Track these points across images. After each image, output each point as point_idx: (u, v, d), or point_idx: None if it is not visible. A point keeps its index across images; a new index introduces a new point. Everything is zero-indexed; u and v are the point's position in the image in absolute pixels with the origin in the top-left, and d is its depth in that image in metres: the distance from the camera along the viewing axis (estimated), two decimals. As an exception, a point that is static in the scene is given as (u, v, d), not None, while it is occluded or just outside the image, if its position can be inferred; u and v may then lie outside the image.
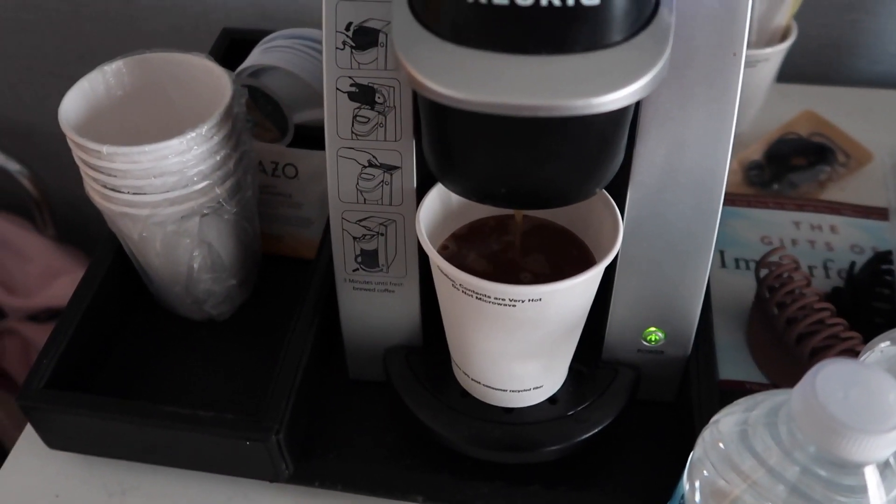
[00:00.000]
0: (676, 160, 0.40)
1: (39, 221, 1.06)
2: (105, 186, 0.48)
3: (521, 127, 0.32)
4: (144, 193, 0.47)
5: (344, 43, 0.40)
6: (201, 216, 0.49)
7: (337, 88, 0.41)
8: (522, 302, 0.38)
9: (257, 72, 0.63)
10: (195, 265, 0.51)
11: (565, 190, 0.37)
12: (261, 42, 0.66)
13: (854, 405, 0.26)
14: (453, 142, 0.35)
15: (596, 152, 0.35)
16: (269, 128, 0.61)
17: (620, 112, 0.33)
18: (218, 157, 0.48)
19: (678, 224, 0.42)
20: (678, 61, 0.38)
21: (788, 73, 0.74)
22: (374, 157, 0.43)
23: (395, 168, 0.43)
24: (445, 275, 0.39)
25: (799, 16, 0.70)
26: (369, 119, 0.41)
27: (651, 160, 0.41)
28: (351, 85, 0.41)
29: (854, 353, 0.49)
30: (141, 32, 0.90)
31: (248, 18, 0.87)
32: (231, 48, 0.70)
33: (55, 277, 0.99)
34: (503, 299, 0.38)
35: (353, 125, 0.42)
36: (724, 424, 0.32)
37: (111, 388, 0.54)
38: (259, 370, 0.53)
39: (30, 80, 0.98)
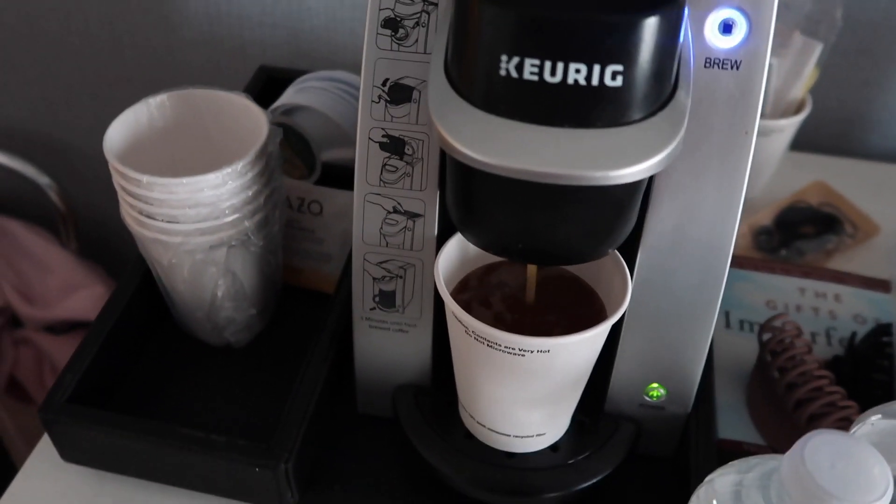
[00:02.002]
0: (686, 228, 0.42)
1: (64, 235, 1.09)
2: (141, 213, 0.50)
3: (542, 192, 0.34)
4: (178, 222, 0.50)
5: (379, 97, 0.42)
6: (229, 247, 0.52)
7: (370, 138, 0.43)
8: (532, 352, 0.40)
9: (290, 110, 0.66)
10: (219, 293, 0.53)
11: (578, 250, 0.39)
12: (295, 82, 0.69)
13: (840, 476, 0.27)
14: (477, 199, 0.37)
15: (610, 218, 0.37)
16: (298, 165, 0.63)
17: (635, 183, 0.36)
18: (250, 193, 0.51)
19: (685, 288, 0.44)
20: (693, 137, 0.40)
21: (803, 142, 0.77)
22: (399, 203, 0.45)
23: (419, 216, 0.45)
24: (459, 320, 0.41)
25: (816, 89, 0.73)
26: (397, 168, 0.44)
27: (662, 227, 0.43)
28: (383, 136, 0.43)
29: (850, 422, 0.50)
30: (179, 64, 0.94)
31: (284, 56, 0.91)
32: (267, 85, 0.74)
33: (74, 290, 1.01)
34: (513, 348, 0.40)
35: (381, 173, 0.44)
36: (720, 484, 0.34)
37: (129, 407, 0.55)
38: (272, 398, 0.55)
39: (67, 99, 1.02)
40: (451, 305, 0.41)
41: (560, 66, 0.30)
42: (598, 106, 0.31)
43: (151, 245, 0.52)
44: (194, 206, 0.49)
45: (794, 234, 0.72)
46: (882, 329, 0.59)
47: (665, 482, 0.52)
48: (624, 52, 0.30)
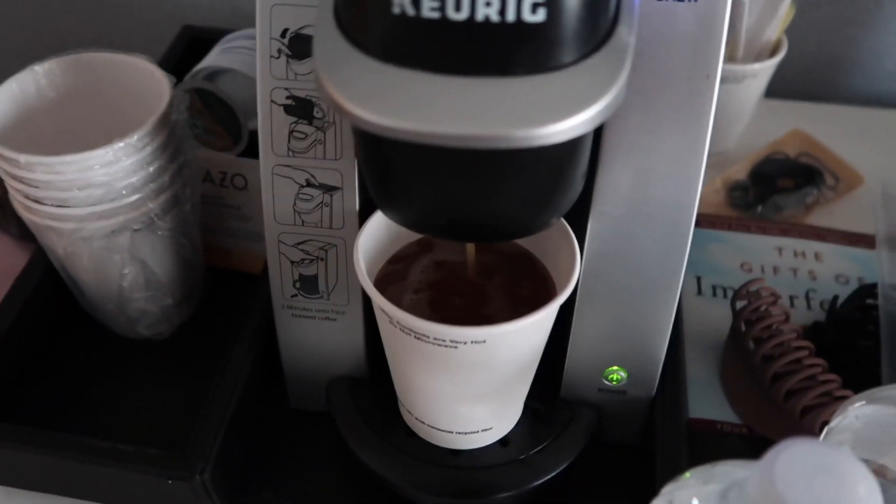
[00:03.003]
0: (642, 191, 0.37)
1: (2, 219, 1.02)
2: (27, 197, 0.44)
3: (460, 157, 0.28)
4: (69, 206, 0.43)
5: (279, 51, 0.36)
6: (133, 231, 0.46)
7: (272, 101, 0.37)
8: (465, 343, 0.35)
9: (213, 73, 0.60)
10: (125, 283, 0.47)
11: (514, 223, 0.33)
12: (220, 41, 0.63)
13: (819, 497, 0.22)
14: (386, 170, 0.31)
15: (548, 183, 0.31)
16: (221, 134, 0.57)
17: (574, 141, 0.30)
18: (151, 169, 0.44)
19: (644, 259, 0.39)
20: (647, 83, 0.34)
21: (779, 88, 0.71)
22: (312, 176, 0.39)
23: (336, 189, 0.39)
24: (382, 310, 0.36)
25: (792, 30, 0.66)
26: (307, 135, 0.38)
27: (615, 190, 0.37)
28: (287, 97, 0.37)
29: (832, 397, 0.46)
30: (106, 23, 0.87)
31: (221, 15, 0.83)
32: (191, 46, 0.67)
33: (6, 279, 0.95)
34: (443, 340, 0.35)
35: (289, 141, 0.38)
36: (678, 499, 0.29)
37: (36, 413, 0.50)
38: (196, 397, 0.50)
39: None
40: (372, 293, 0.35)
41: (465, -2, 0.24)
42: (518, 48, 0.25)
43: (44, 232, 0.46)
44: (85, 188, 0.43)
45: (772, 189, 0.67)
46: (866, 290, 0.54)
47: (631, 470, 0.47)
48: (545, -22, 0.24)
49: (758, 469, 0.24)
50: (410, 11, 0.25)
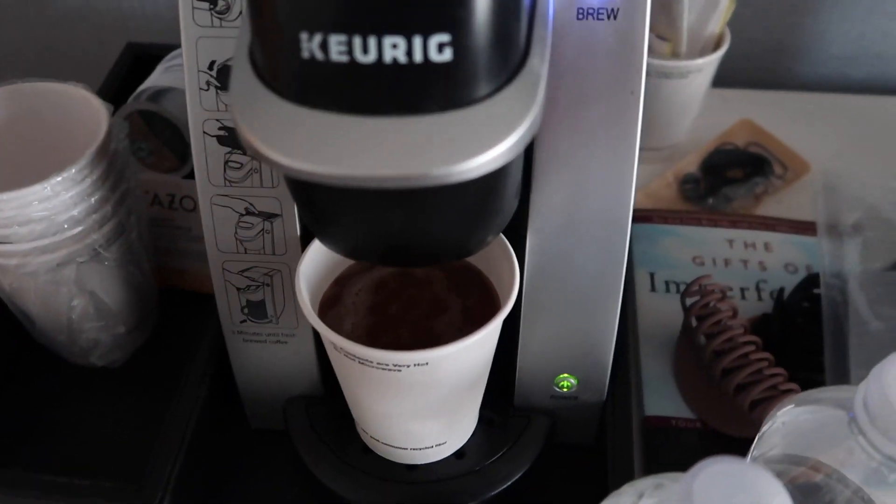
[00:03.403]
0: (576, 206, 0.37)
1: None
2: (-33, 234, 0.44)
3: (380, 195, 0.28)
4: (10, 242, 0.43)
5: (208, 83, 0.36)
6: (78, 263, 0.45)
7: (204, 132, 0.37)
8: (408, 367, 0.35)
9: (156, 93, 0.59)
10: (74, 316, 0.47)
11: (448, 248, 0.33)
12: (163, 60, 0.62)
13: (736, 515, 0.23)
14: (312, 206, 0.32)
15: (477, 209, 0.32)
16: (167, 155, 0.57)
17: (496, 170, 0.30)
18: (92, 200, 0.44)
19: (583, 270, 0.39)
20: (572, 101, 0.35)
21: (728, 77, 0.72)
22: (251, 204, 0.39)
23: (275, 216, 0.39)
24: (325, 337, 0.36)
25: (739, 18, 0.67)
26: (242, 164, 0.38)
27: (549, 206, 0.37)
28: (220, 128, 0.37)
29: (778, 391, 0.47)
30: (53, 41, 0.85)
31: (169, 28, 0.82)
32: (136, 65, 0.66)
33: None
34: (386, 364, 0.35)
35: (225, 171, 0.38)
36: (614, 514, 0.29)
37: (-7, 447, 0.50)
38: (153, 423, 0.50)
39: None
40: (314, 322, 0.36)
41: (372, 41, 0.24)
42: (427, 87, 0.25)
43: (-12, 269, 0.45)
44: (25, 224, 0.42)
45: (722, 180, 0.68)
46: (811, 280, 0.55)
47: (587, 470, 0.48)
48: (449, 16, 0.24)
49: (679, 488, 0.24)
50: (319, 56, 0.25)
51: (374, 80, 0.25)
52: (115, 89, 0.63)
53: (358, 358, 0.35)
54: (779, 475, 0.27)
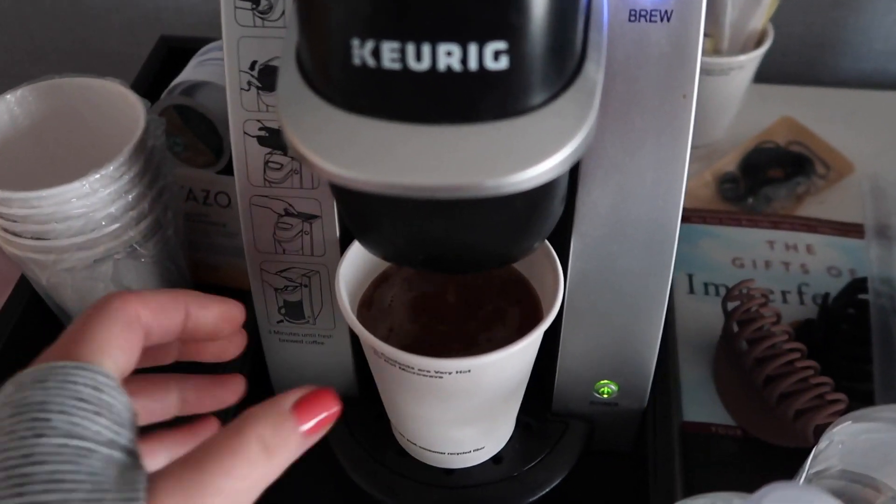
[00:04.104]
0: (623, 211, 0.36)
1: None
2: (6, 231, 0.44)
3: (429, 204, 0.28)
4: (48, 239, 0.43)
5: (249, 83, 0.36)
6: (115, 260, 0.45)
7: (245, 133, 0.37)
8: (450, 374, 0.34)
9: (191, 88, 0.59)
10: (111, 313, 0.47)
11: (493, 255, 0.33)
12: (197, 53, 0.62)
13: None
14: (358, 213, 0.31)
15: (525, 218, 0.31)
16: (202, 150, 0.56)
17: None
18: (129, 198, 0.44)
19: (628, 277, 0.38)
20: (622, 105, 0.34)
21: (768, 73, 0.70)
22: (290, 205, 0.38)
23: (315, 217, 0.39)
24: (365, 342, 0.36)
25: (780, 13, 0.66)
26: (282, 165, 0.37)
27: (595, 210, 0.37)
28: (260, 129, 0.37)
29: (825, 401, 0.45)
30: (89, 35, 0.86)
31: (203, 21, 0.82)
32: (169, 58, 0.66)
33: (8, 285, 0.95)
34: (428, 371, 0.34)
35: (265, 172, 0.38)
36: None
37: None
38: (187, 421, 0.50)
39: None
40: (355, 326, 0.35)
41: (426, 48, 0.23)
42: (482, 95, 0.24)
43: (26, 264, 0.45)
44: (63, 220, 0.42)
45: (762, 180, 0.66)
46: (857, 284, 0.53)
47: (625, 477, 0.47)
48: (506, 23, 0.23)
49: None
50: (371, 63, 0.24)
51: (428, 88, 0.24)
52: (149, 83, 0.63)
53: (399, 364, 0.35)
54: (838, 494, 0.27)
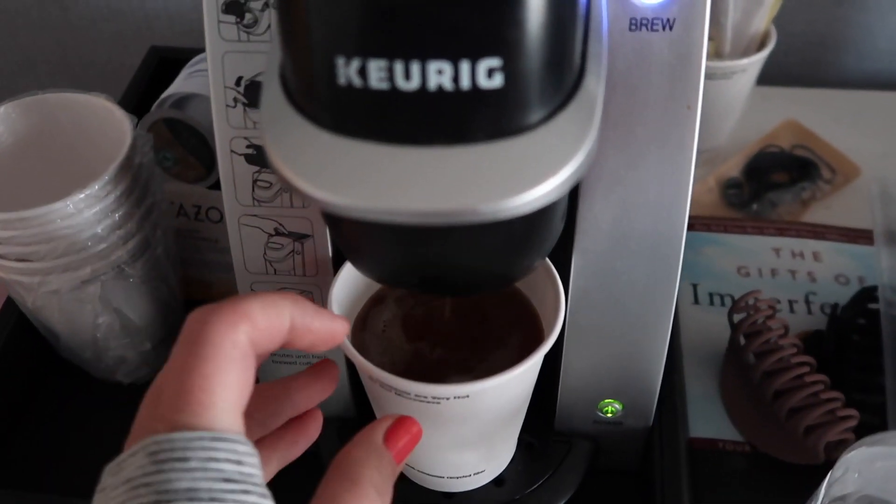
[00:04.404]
0: (626, 225, 0.35)
1: None
2: (-10, 252, 0.42)
3: (416, 230, 0.26)
4: (31, 261, 0.42)
5: (235, 100, 0.34)
6: (103, 280, 0.44)
7: (232, 151, 0.35)
8: (448, 399, 0.33)
9: (181, 100, 0.57)
10: (99, 334, 0.46)
11: (490, 277, 0.31)
12: (187, 65, 0.60)
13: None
14: (347, 237, 0.30)
15: (522, 239, 0.30)
16: (193, 164, 0.55)
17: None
18: (116, 217, 0.43)
19: (632, 293, 0.37)
20: (623, 117, 0.32)
21: (771, 74, 0.68)
22: (280, 224, 0.37)
23: (306, 236, 0.37)
24: (360, 368, 0.34)
25: (783, 12, 0.64)
26: (271, 184, 0.36)
27: (597, 225, 0.35)
28: (247, 146, 0.35)
29: (836, 417, 0.44)
30: (78, 45, 0.84)
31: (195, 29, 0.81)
32: (160, 69, 0.65)
33: None
34: (425, 397, 0.33)
35: (253, 190, 0.36)
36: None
37: (16, 466, 0.48)
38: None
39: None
40: (348, 351, 0.34)
41: (415, 66, 0.22)
42: (475, 115, 0.23)
43: (11, 286, 0.44)
44: (47, 242, 0.41)
45: (766, 184, 0.65)
46: (866, 293, 0.52)
47: (631, 497, 0.46)
48: (500, 39, 0.22)
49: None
50: (357, 83, 0.23)
51: (417, 108, 0.23)
52: (140, 95, 0.61)
53: (395, 389, 0.33)
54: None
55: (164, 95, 0.58)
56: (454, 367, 0.37)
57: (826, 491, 0.30)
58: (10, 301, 0.50)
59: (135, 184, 0.44)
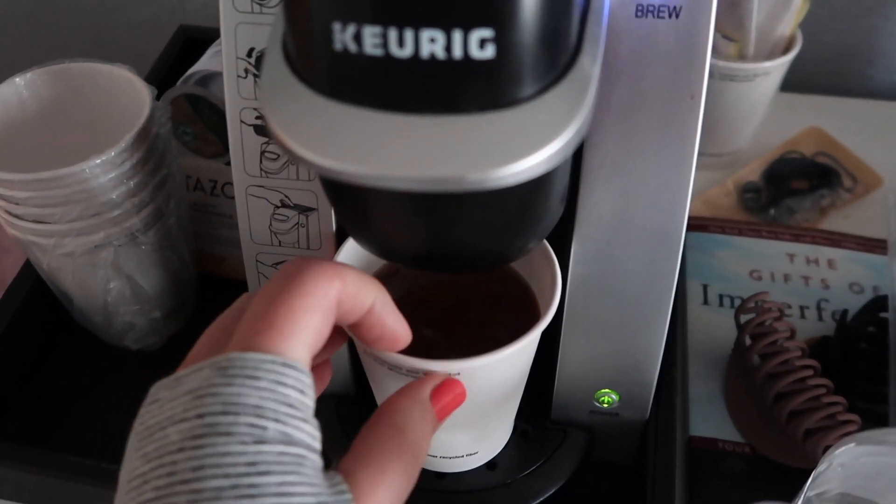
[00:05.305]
0: (627, 215, 0.35)
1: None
2: (9, 213, 0.44)
3: (413, 197, 0.27)
4: (47, 223, 0.43)
5: (246, 70, 0.35)
6: (116, 246, 0.45)
7: (241, 121, 0.36)
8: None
9: (205, 78, 0.58)
10: (109, 298, 0.47)
11: (486, 254, 0.31)
12: (213, 44, 0.62)
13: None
14: (343, 204, 0.30)
15: (518, 216, 0.30)
16: (212, 140, 0.56)
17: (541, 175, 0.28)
18: (131, 184, 0.44)
19: (630, 284, 0.37)
20: (626, 105, 0.32)
21: (797, 82, 0.68)
22: (286, 196, 0.38)
23: (311, 210, 0.38)
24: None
25: (811, 21, 0.63)
26: (279, 155, 0.37)
27: (598, 214, 0.35)
28: (256, 117, 0.36)
29: (836, 421, 0.44)
30: (115, 20, 0.86)
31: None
32: (186, 48, 0.66)
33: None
34: (417, 373, 0.33)
35: (261, 162, 0.37)
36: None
37: (24, 427, 0.50)
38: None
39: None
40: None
41: (409, 34, 0.22)
42: (467, 85, 0.23)
43: (28, 247, 0.45)
44: (62, 204, 0.42)
45: (785, 190, 0.64)
46: (877, 303, 0.51)
47: (625, 491, 0.46)
48: (493, 9, 0.22)
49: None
50: (352, 48, 0.23)
51: (410, 76, 0.23)
52: (165, 72, 0.63)
53: (388, 363, 0.34)
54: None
55: (189, 72, 0.59)
56: (449, 344, 0.37)
57: (809, 486, 0.30)
58: (28, 264, 0.51)
59: (151, 153, 0.45)
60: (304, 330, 0.25)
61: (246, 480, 0.22)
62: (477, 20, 0.22)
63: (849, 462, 0.29)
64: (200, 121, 0.56)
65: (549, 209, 0.31)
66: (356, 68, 0.23)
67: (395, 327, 0.29)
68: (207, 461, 0.22)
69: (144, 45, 0.87)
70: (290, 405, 0.24)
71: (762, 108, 0.64)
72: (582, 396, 0.42)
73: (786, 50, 0.61)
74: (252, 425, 0.23)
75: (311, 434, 0.24)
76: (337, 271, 0.26)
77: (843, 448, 0.29)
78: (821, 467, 0.30)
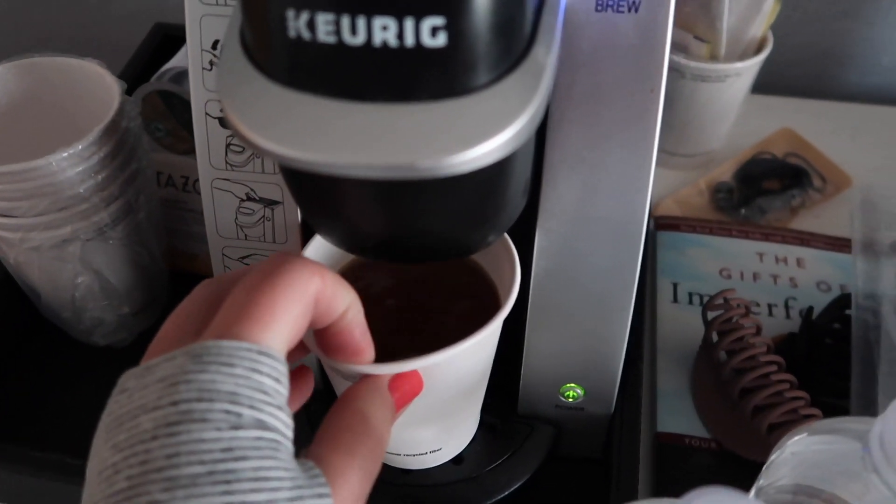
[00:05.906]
0: (589, 207, 0.35)
1: None
2: (-25, 207, 0.43)
3: (369, 185, 0.27)
4: (14, 216, 0.43)
5: (211, 63, 0.35)
6: (84, 241, 0.45)
7: (206, 113, 0.36)
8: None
9: (179, 74, 0.58)
10: (77, 293, 0.46)
11: (443, 246, 0.32)
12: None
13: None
14: (300, 193, 0.30)
15: (477, 206, 0.30)
16: (184, 137, 0.56)
17: (498, 164, 0.28)
18: (99, 178, 0.43)
19: (593, 276, 0.37)
20: (587, 98, 0.33)
21: (769, 83, 0.69)
22: (252, 190, 0.38)
23: (276, 203, 0.38)
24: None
25: (784, 22, 0.64)
26: (244, 148, 0.37)
27: (560, 206, 0.36)
28: (221, 110, 0.36)
29: (799, 415, 0.44)
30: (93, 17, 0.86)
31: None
32: (163, 45, 0.66)
33: None
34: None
35: (226, 154, 0.37)
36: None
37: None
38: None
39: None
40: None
41: (361, 21, 0.23)
42: (419, 73, 0.24)
43: (-5, 242, 0.45)
44: (30, 198, 0.42)
45: (757, 191, 0.65)
46: (842, 300, 0.52)
47: (591, 484, 0.46)
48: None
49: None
50: (306, 35, 0.23)
51: (363, 63, 0.23)
52: (141, 69, 0.62)
53: (342, 373, 0.34)
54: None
55: (163, 69, 0.59)
56: (410, 340, 0.37)
57: (763, 474, 0.30)
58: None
59: (120, 148, 0.44)
60: (281, 321, 0.25)
61: (222, 466, 0.22)
62: (428, 8, 0.23)
63: (801, 451, 0.29)
64: (173, 117, 0.56)
65: (510, 200, 0.31)
66: (310, 56, 0.24)
67: (360, 340, 0.30)
68: (182, 448, 0.22)
69: (123, 43, 0.87)
70: (265, 392, 0.24)
71: (734, 108, 0.65)
72: (547, 391, 0.43)
73: (757, 51, 0.62)
74: (227, 412, 0.23)
75: (284, 422, 0.24)
76: (318, 269, 0.27)
77: (797, 438, 0.30)
78: (773, 457, 0.30)
